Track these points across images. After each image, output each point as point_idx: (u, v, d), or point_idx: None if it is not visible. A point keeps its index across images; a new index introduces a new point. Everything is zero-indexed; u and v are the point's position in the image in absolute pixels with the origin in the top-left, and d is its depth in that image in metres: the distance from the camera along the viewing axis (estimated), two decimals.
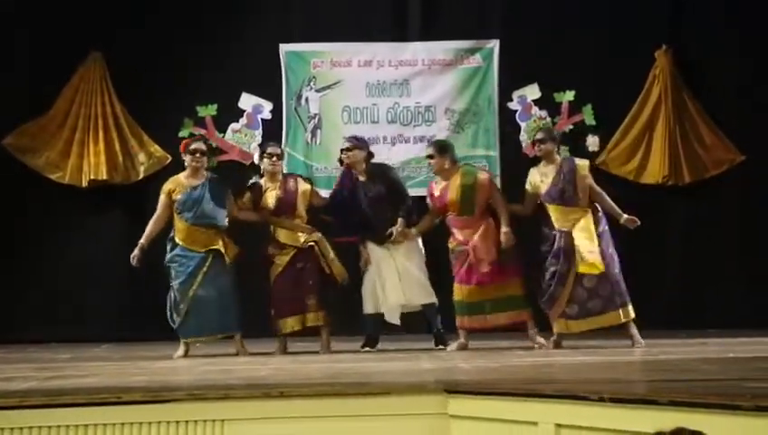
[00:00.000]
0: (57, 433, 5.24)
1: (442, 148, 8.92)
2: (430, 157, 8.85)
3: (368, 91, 11.59)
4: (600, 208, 8.62)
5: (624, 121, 11.38)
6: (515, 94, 11.58)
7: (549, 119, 11.48)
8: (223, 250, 8.63)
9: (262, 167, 9.11)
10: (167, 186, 8.81)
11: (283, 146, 11.22)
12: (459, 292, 8.64)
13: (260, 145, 9.52)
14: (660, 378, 6.18)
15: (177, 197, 8.68)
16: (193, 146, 8.82)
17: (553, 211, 8.59)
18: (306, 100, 11.56)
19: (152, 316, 10.12)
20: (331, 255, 8.90)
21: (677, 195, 11.24)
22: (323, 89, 11.59)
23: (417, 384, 5.76)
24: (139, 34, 11.21)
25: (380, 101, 11.58)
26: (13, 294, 11.02)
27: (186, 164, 8.80)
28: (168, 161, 11.24)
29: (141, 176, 11.30)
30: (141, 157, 11.30)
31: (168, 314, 8.66)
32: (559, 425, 4.92)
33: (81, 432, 5.25)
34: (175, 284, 8.62)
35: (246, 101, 11.52)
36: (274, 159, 8.98)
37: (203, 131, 11.37)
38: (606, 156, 11.35)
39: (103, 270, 11.03)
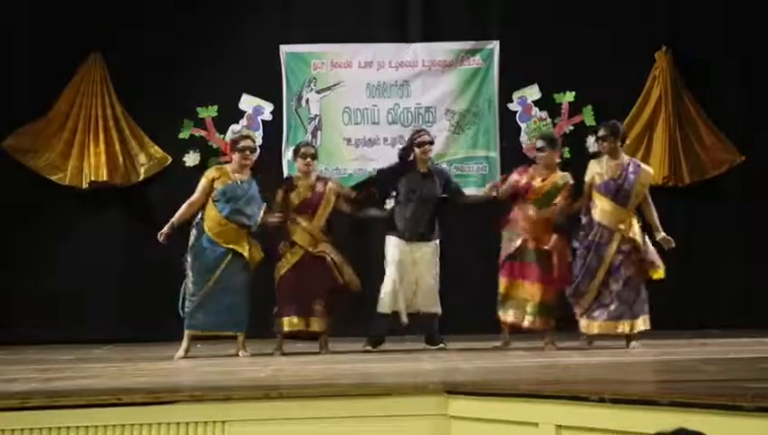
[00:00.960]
0: (58, 434, 5.25)
1: (554, 142, 8.97)
2: (541, 150, 8.84)
3: (368, 93, 11.58)
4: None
5: (624, 122, 11.36)
6: (515, 95, 11.57)
7: (549, 120, 11.48)
8: (247, 253, 8.62)
9: (296, 166, 9.10)
10: (210, 172, 8.83)
11: (283, 147, 11.26)
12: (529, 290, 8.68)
13: (296, 145, 9.47)
14: (661, 378, 6.19)
15: (219, 186, 8.66)
16: (242, 144, 8.83)
17: (603, 203, 8.61)
18: (307, 101, 11.56)
19: (153, 318, 10.16)
20: (344, 264, 8.86)
21: (677, 195, 11.23)
22: (324, 90, 11.58)
23: (418, 385, 5.77)
24: (139, 36, 11.21)
25: (381, 102, 11.58)
26: (13, 295, 11.01)
27: (234, 161, 8.79)
28: (169, 162, 11.25)
29: (142, 177, 11.29)
30: (142, 158, 11.30)
31: (180, 302, 8.62)
32: (559, 426, 4.93)
33: (81, 434, 5.27)
34: (191, 274, 8.61)
35: (247, 102, 11.51)
36: (308, 159, 8.96)
37: (203, 132, 11.38)
38: None
39: (104, 271, 11.03)
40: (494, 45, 11.54)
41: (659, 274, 8.58)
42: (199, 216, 8.67)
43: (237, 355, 8.60)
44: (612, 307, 8.51)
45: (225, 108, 11.44)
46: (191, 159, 11.32)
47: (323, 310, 8.74)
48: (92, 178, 11.03)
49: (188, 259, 8.61)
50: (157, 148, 11.26)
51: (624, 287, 8.50)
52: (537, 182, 8.75)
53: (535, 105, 11.55)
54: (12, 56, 11.09)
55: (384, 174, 9.26)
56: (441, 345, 8.81)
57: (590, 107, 11.45)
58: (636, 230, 8.58)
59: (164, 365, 7.90)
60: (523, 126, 11.55)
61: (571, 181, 8.83)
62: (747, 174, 11.22)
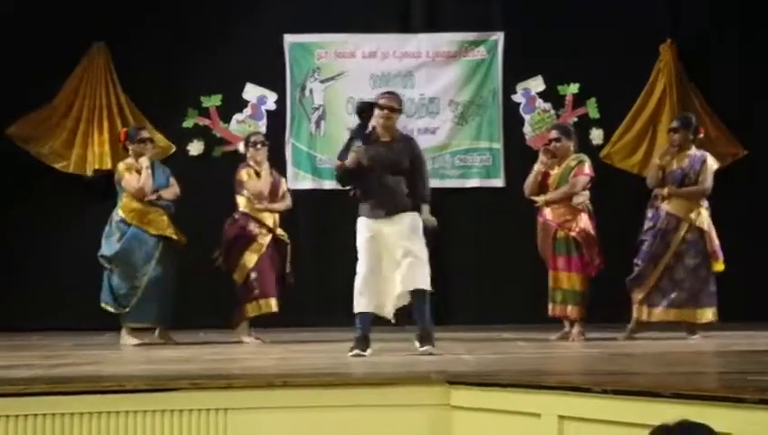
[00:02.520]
0: (61, 421, 5.26)
1: (568, 131, 8.98)
2: (557, 140, 8.82)
3: (372, 83, 11.57)
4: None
5: (628, 115, 11.37)
6: (519, 87, 11.57)
7: (553, 111, 11.48)
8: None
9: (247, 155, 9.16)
10: None
11: (287, 137, 11.29)
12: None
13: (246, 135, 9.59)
14: (664, 371, 6.19)
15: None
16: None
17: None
18: (310, 91, 11.56)
19: None
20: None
21: None
22: (327, 80, 11.58)
23: (420, 375, 5.78)
24: (142, 25, 11.20)
25: None
26: (17, 282, 11.02)
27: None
28: (173, 151, 11.25)
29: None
30: (150, 145, 11.29)
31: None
32: (562, 417, 4.93)
33: (84, 420, 5.27)
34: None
35: (251, 91, 11.51)
36: (259, 146, 9.14)
37: (207, 122, 11.38)
38: (610, 149, 11.35)
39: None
40: (499, 37, 11.54)
41: (719, 266, 8.59)
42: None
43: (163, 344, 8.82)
44: (674, 295, 8.53)
45: (228, 97, 11.45)
46: (195, 147, 11.34)
47: (278, 293, 9.02)
48: (96, 167, 11.04)
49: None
50: (161, 136, 11.24)
51: (688, 276, 8.54)
52: (554, 171, 8.77)
53: (539, 97, 11.55)
54: (16, 45, 11.06)
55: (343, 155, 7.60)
56: (427, 348, 7.23)
57: (593, 99, 11.46)
58: (704, 219, 8.61)
59: (166, 353, 7.92)
60: (526, 117, 11.55)
61: (586, 160, 8.81)
62: (750, 168, 11.19)
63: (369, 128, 7.51)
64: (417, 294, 7.31)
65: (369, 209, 7.39)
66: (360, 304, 7.33)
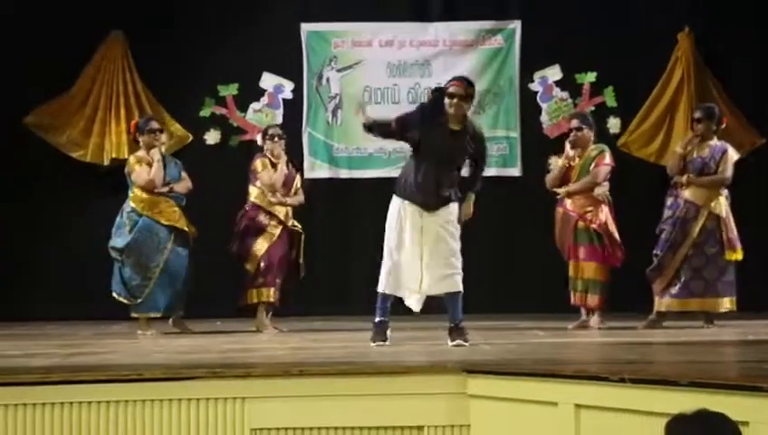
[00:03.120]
0: (78, 409, 5.29)
1: (588, 120, 8.98)
2: (578, 129, 8.81)
3: (389, 72, 11.56)
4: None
5: (645, 104, 11.33)
6: (536, 75, 11.54)
7: (570, 100, 11.45)
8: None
9: (265, 148, 9.14)
10: None
11: (303, 126, 11.29)
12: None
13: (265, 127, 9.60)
14: (680, 359, 6.18)
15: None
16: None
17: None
18: (327, 80, 11.55)
19: None
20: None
21: None
22: (344, 69, 11.57)
23: (437, 364, 5.78)
24: (160, 13, 11.21)
25: (401, 81, 11.56)
26: (35, 271, 11.07)
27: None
28: (190, 140, 11.26)
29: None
30: (163, 136, 11.29)
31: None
32: (578, 405, 4.93)
33: (102, 409, 5.30)
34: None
35: (267, 80, 11.51)
36: (276, 139, 9.11)
37: (224, 111, 11.39)
38: (627, 138, 11.32)
39: None
40: (516, 25, 11.51)
41: (736, 255, 8.56)
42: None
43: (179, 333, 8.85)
44: (693, 285, 8.51)
45: (245, 86, 11.46)
46: (212, 136, 11.35)
47: (282, 284, 9.01)
48: (114, 156, 11.04)
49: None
50: (178, 125, 11.27)
51: (707, 265, 8.51)
52: (576, 162, 8.76)
53: (556, 85, 11.53)
54: (34, 33, 11.09)
55: (401, 123, 7.22)
56: (459, 342, 7.04)
57: (611, 88, 11.42)
58: (722, 207, 8.58)
59: (184, 341, 7.95)
60: (543, 106, 11.52)
61: (606, 150, 8.80)
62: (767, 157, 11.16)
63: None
64: (449, 293, 7.17)
65: (412, 193, 7.10)
66: (387, 286, 7.20)
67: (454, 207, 7.19)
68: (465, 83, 7.17)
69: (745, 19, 11.28)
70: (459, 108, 7.04)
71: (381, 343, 7.09)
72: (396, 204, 7.20)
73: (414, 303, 7.29)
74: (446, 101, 7.02)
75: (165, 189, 8.87)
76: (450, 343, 7.04)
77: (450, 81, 7.22)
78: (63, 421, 5.27)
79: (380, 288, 7.22)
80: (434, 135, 7.04)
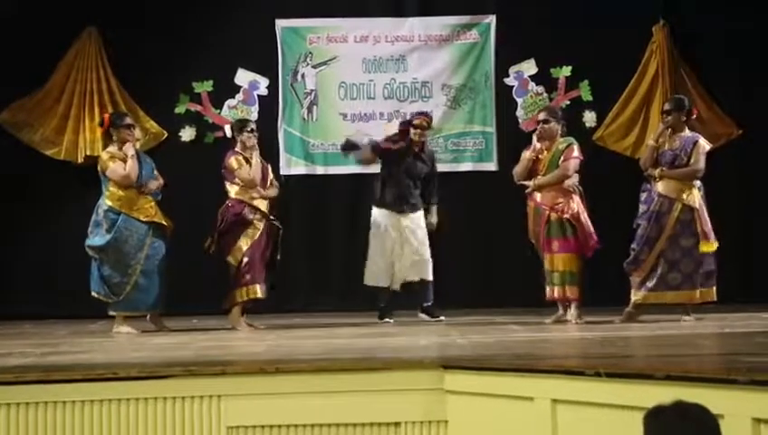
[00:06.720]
0: (54, 409, 5.27)
1: (556, 113, 9.01)
2: (545, 122, 8.83)
3: (364, 67, 11.55)
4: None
5: (621, 97, 11.35)
6: (512, 70, 11.54)
7: (546, 94, 11.46)
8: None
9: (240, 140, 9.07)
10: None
11: (279, 122, 11.27)
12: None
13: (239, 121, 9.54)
14: (656, 353, 6.20)
15: None
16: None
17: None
18: (302, 76, 11.52)
19: None
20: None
21: None
22: (320, 65, 11.54)
23: (414, 360, 5.77)
24: (134, 9, 11.14)
25: (377, 76, 11.54)
26: (9, 269, 11.02)
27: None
28: (164, 137, 11.22)
29: None
30: (137, 133, 11.23)
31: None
32: (555, 400, 4.94)
33: (77, 408, 5.28)
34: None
35: (242, 77, 11.47)
36: (248, 131, 9.07)
37: (199, 108, 11.36)
38: (603, 132, 11.33)
39: None
40: (491, 20, 11.51)
41: (709, 247, 8.56)
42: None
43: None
44: (670, 277, 8.53)
45: (220, 82, 11.41)
46: (187, 133, 11.31)
47: (265, 279, 8.98)
48: (88, 153, 10.97)
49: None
50: (152, 122, 11.23)
51: (683, 257, 8.53)
52: (543, 155, 8.77)
53: (532, 80, 11.53)
54: (6, 30, 11.02)
55: (379, 152, 9.52)
56: (441, 318, 9.20)
57: (586, 82, 11.43)
58: (695, 198, 8.59)
59: (160, 340, 7.91)
60: (519, 101, 11.53)
61: (574, 142, 8.81)
62: (744, 148, 11.18)
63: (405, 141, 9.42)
64: (423, 281, 9.31)
65: (390, 203, 9.30)
66: (380, 280, 9.32)
67: (421, 214, 9.41)
68: (428, 118, 9.61)
69: (719, 11, 11.29)
70: (422, 135, 9.45)
71: (387, 319, 9.22)
72: (377, 214, 9.36)
73: (396, 286, 9.31)
74: (412, 130, 9.35)
75: (143, 189, 8.82)
76: (433, 319, 9.18)
77: (415, 114, 9.72)
78: (38, 421, 5.25)
79: (374, 283, 9.35)
80: (402, 156, 9.34)
